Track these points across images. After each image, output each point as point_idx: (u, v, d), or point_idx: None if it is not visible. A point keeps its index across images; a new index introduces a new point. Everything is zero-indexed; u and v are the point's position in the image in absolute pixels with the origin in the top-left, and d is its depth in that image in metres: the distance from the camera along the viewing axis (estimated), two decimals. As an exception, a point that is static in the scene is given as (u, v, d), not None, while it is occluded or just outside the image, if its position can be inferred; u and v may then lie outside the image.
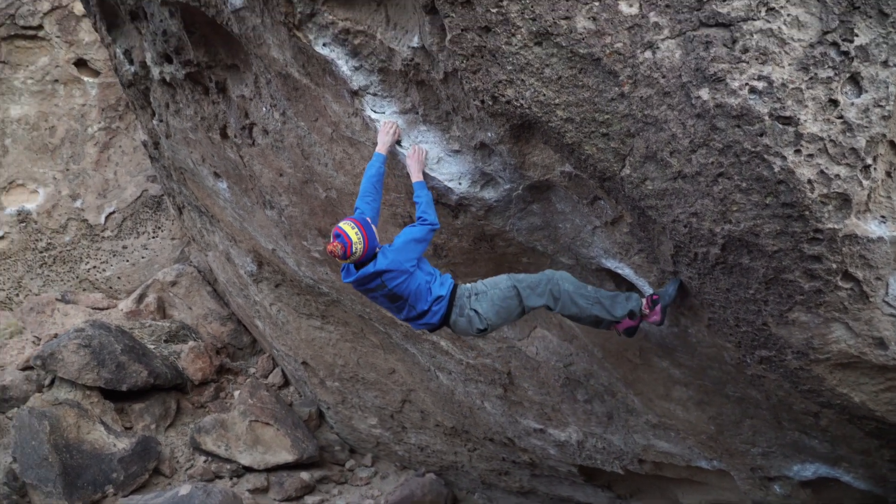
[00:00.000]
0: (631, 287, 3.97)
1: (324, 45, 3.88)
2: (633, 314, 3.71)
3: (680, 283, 3.56)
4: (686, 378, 4.42)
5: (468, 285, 3.83)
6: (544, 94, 3.14)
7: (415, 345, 6.36)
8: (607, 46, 2.96)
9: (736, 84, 2.78)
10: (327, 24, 3.78)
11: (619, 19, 2.93)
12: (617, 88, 3.01)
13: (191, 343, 9.53)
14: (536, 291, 3.72)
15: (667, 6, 2.86)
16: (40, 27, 11.01)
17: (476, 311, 3.72)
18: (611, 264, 3.90)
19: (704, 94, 2.84)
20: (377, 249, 3.68)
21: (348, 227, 3.56)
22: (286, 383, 9.55)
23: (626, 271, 3.85)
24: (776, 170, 2.80)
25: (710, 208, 3.01)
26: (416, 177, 3.87)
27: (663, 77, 2.92)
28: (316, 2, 3.71)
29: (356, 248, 3.55)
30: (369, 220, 3.69)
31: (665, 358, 4.34)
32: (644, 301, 3.70)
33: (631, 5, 2.92)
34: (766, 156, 2.80)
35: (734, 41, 2.78)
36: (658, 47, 2.90)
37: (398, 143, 3.97)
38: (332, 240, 3.56)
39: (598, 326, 3.84)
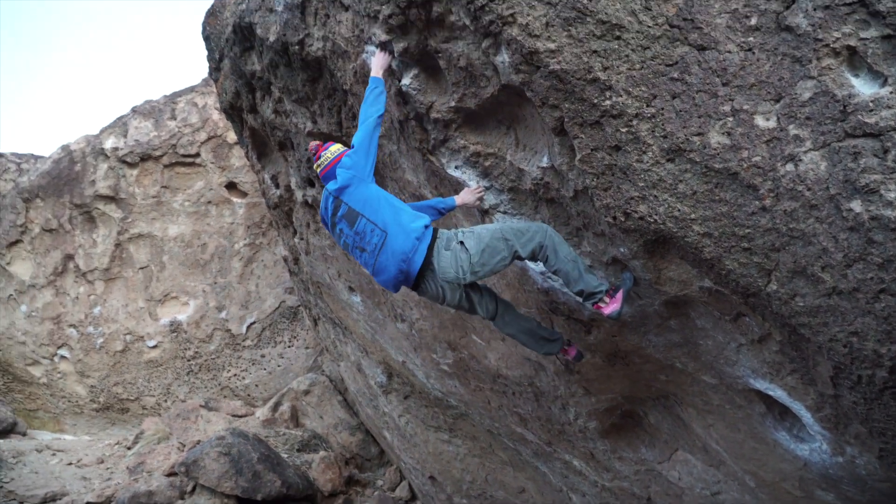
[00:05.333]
0: (784, 410, 3.67)
1: (456, 167, 4.03)
2: (600, 297, 3.54)
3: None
4: (854, 512, 3.95)
5: (448, 230, 3.74)
6: (679, 210, 3.07)
7: (546, 463, 6.12)
8: (745, 161, 2.89)
9: (892, 195, 2.61)
10: (459, 149, 3.94)
11: (756, 133, 2.86)
12: (757, 202, 2.90)
13: (322, 453, 9.67)
14: (524, 238, 3.58)
15: (807, 118, 2.77)
16: (197, 154, 12.19)
17: (462, 244, 3.58)
18: (760, 385, 3.64)
19: (856, 206, 2.68)
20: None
21: (336, 146, 4.02)
22: (413, 497, 9.41)
23: (778, 393, 3.56)
24: (947, 285, 2.55)
25: (872, 327, 2.77)
26: (374, 72, 3.91)
27: (808, 190, 2.79)
28: (449, 128, 3.89)
29: (325, 155, 3.99)
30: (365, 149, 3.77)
31: (830, 490, 3.91)
32: (607, 288, 3.58)
33: (768, 119, 2.85)
34: (934, 270, 2.57)
35: (885, 151, 2.63)
36: (800, 160, 2.79)
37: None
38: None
39: (567, 281, 3.64)
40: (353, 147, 3.82)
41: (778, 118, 2.83)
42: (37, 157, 13.55)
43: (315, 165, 4.07)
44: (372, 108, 3.78)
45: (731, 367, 3.73)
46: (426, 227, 3.65)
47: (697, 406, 4.25)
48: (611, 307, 3.53)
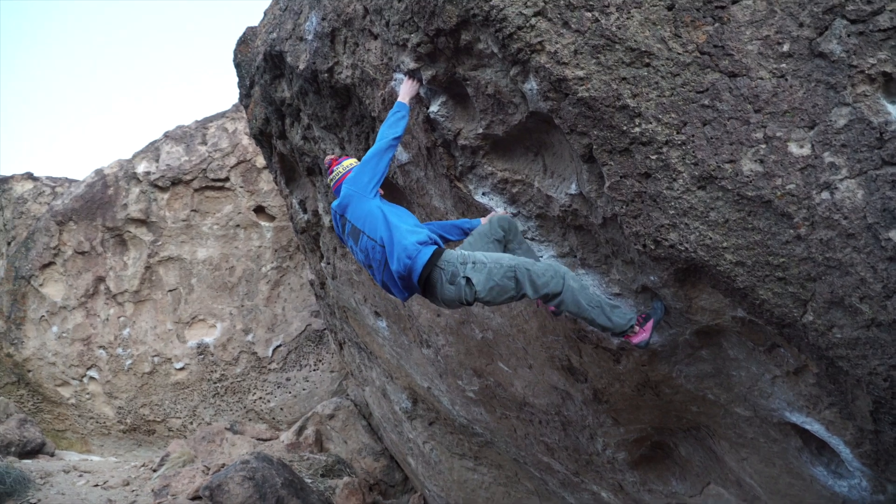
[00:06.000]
0: (822, 445, 3.56)
1: (483, 194, 4.02)
2: (631, 328, 3.49)
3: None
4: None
5: (458, 251, 3.56)
6: (710, 238, 3.02)
7: (573, 493, 6.01)
8: (778, 188, 2.83)
9: (933, 225, 2.54)
10: (487, 175, 3.93)
11: (790, 161, 2.81)
12: (792, 231, 2.84)
13: (345, 479, 9.61)
14: (537, 283, 3.44)
15: (843, 146, 2.72)
16: (227, 179, 12.34)
17: (468, 280, 3.43)
18: (796, 419, 3.53)
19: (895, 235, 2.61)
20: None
21: (349, 161, 4.07)
22: (437, 525, 9.29)
23: (815, 427, 3.46)
24: None
25: (913, 360, 2.68)
26: (401, 98, 3.90)
27: (845, 218, 2.72)
28: (476, 155, 3.89)
29: (336, 170, 4.05)
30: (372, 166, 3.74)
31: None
32: (636, 318, 3.52)
33: (802, 146, 2.80)
34: (978, 302, 2.48)
35: (926, 179, 2.56)
36: (836, 188, 2.73)
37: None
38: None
39: (595, 326, 3.57)
40: (362, 162, 3.83)
41: (812, 145, 2.78)
42: (71, 181, 13.83)
43: (328, 179, 4.12)
44: (390, 129, 3.78)
45: (765, 399, 3.63)
46: (420, 243, 3.53)
47: (730, 438, 4.15)
48: (639, 336, 3.48)
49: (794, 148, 2.81)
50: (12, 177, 13.74)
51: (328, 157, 4.22)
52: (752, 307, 3.11)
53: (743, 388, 3.69)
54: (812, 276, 2.86)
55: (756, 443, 4.00)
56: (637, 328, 3.51)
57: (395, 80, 4.19)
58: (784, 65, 2.83)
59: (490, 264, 3.45)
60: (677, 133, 2.99)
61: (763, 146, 2.85)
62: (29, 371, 12.50)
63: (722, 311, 3.34)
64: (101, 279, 12.41)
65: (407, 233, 3.55)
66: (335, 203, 3.88)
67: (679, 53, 2.97)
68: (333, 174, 4.06)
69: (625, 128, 3.07)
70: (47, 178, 13.92)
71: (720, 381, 3.80)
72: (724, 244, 3.00)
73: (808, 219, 2.80)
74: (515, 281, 3.45)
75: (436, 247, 3.57)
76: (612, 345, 3.95)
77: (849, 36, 2.71)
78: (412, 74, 3.94)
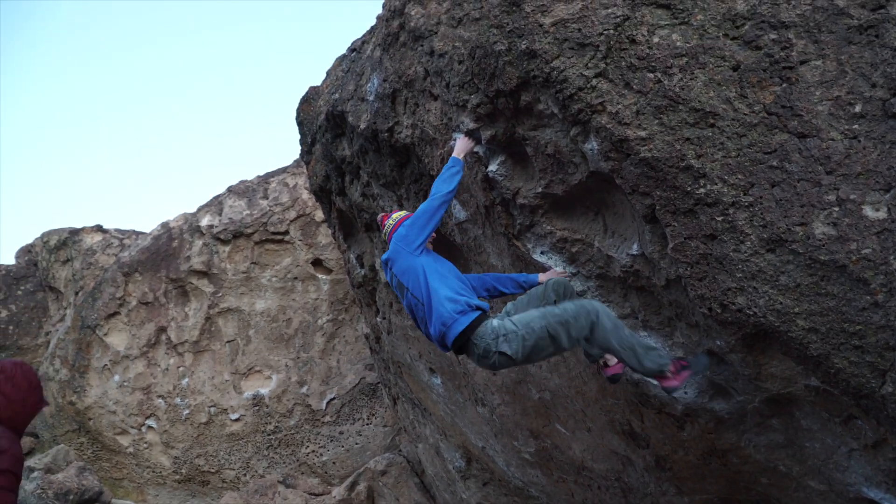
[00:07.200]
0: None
1: (541, 253, 3.98)
2: (662, 372, 3.35)
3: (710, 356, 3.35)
4: None
5: (496, 322, 3.45)
6: (781, 303, 2.90)
7: (633, 564, 5.74)
8: (853, 253, 2.72)
9: None
10: (545, 234, 3.90)
11: (865, 224, 2.71)
12: (869, 297, 2.72)
13: (397, 537, 9.42)
14: (572, 332, 3.33)
15: (923, 209, 2.60)
16: (286, 232, 12.59)
17: (503, 354, 3.35)
18: (874, 494, 3.32)
19: (984, 304, 2.46)
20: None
21: (399, 213, 4.16)
22: (490, 590, 8.99)
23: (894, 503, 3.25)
24: None
25: None
26: (456, 153, 3.95)
27: (927, 285, 2.59)
28: (535, 214, 3.87)
29: (388, 223, 4.10)
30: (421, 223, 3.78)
31: None
32: (671, 363, 3.35)
33: (877, 210, 2.70)
34: None
35: None
36: (917, 253, 2.61)
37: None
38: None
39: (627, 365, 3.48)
40: (411, 218, 3.87)
41: (888, 208, 2.67)
42: (138, 233, 14.35)
43: (383, 234, 4.20)
44: (444, 185, 3.81)
45: (841, 472, 3.43)
46: (459, 312, 3.48)
47: (803, 513, 3.91)
48: (671, 382, 3.34)
49: (869, 211, 2.71)
50: (83, 229, 14.33)
51: (380, 215, 4.30)
52: (826, 376, 2.96)
53: (817, 460, 3.49)
54: (891, 346, 2.72)
55: (832, 519, 3.76)
56: (670, 374, 3.36)
57: (454, 139, 4.24)
58: (856, 126, 2.75)
59: (521, 331, 3.38)
60: (744, 194, 2.92)
61: (836, 209, 2.75)
62: (90, 419, 12.77)
63: (794, 378, 3.19)
64: (162, 329, 12.71)
65: (445, 300, 3.53)
66: (385, 255, 3.92)
67: (745, 114, 2.92)
68: (385, 227, 4.15)
69: (689, 188, 3.01)
70: (115, 230, 14.47)
71: (792, 453, 3.61)
72: (796, 309, 2.88)
73: (885, 285, 2.68)
74: (551, 339, 3.38)
75: (475, 314, 3.50)
76: (677, 410, 3.80)
77: (925, 96, 2.63)
78: (471, 134, 3.98)
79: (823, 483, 3.59)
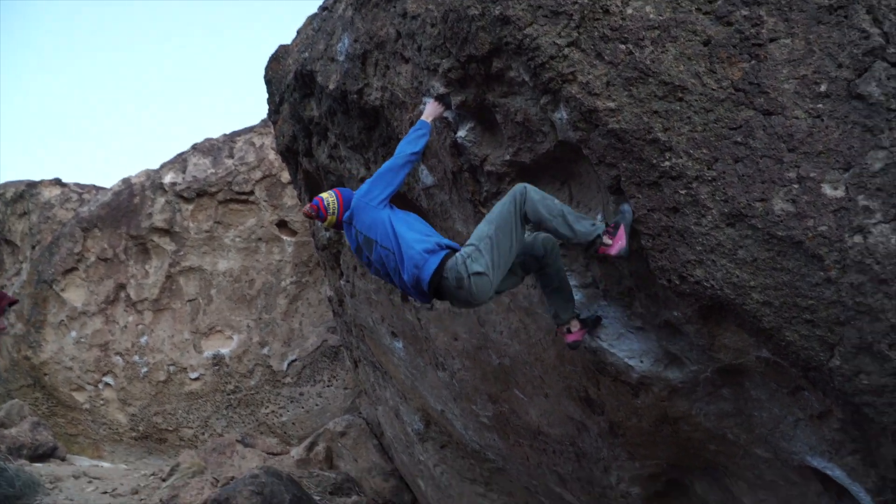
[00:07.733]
0: (842, 491, 3.47)
1: (507, 220, 3.99)
2: (598, 239, 3.28)
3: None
4: None
5: (459, 253, 3.48)
6: (738, 276, 2.98)
7: (584, 526, 5.91)
8: (810, 230, 2.79)
9: (969, 274, 2.49)
10: (512, 202, 3.91)
11: (823, 202, 2.77)
12: (822, 273, 2.80)
13: (354, 497, 9.54)
14: (516, 216, 3.37)
15: (878, 189, 2.68)
16: (251, 192, 12.42)
17: (476, 273, 3.35)
18: (818, 463, 3.45)
19: (930, 283, 2.56)
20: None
21: (326, 194, 3.92)
22: (444, 550, 9.18)
23: (836, 473, 3.38)
24: None
25: (944, 412, 2.62)
26: (424, 117, 3.91)
27: (878, 263, 2.68)
28: (502, 181, 3.88)
29: (328, 202, 3.87)
30: (351, 190, 3.85)
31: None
32: (605, 228, 3.29)
33: (836, 188, 2.76)
34: None
35: (963, 227, 2.51)
36: (870, 232, 2.69)
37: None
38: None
39: (559, 238, 3.47)
40: (375, 173, 3.83)
41: (846, 188, 2.74)
42: (98, 189, 14.01)
43: (325, 223, 3.97)
44: (409, 146, 3.80)
45: (787, 441, 3.56)
46: (428, 252, 3.51)
47: (748, 479, 4.06)
48: (616, 246, 3.25)
49: (827, 189, 2.77)
50: (41, 182, 13.94)
51: (306, 208, 3.99)
52: (777, 348, 3.05)
53: (764, 429, 3.62)
54: (841, 321, 2.81)
55: (775, 485, 3.91)
56: (608, 239, 3.27)
57: (424, 103, 4.21)
58: (820, 105, 2.80)
59: (479, 244, 3.40)
60: (708, 169, 2.96)
61: (796, 186, 2.82)
62: (45, 374, 12.59)
63: (746, 350, 3.29)
64: (121, 286, 12.52)
65: (414, 243, 3.56)
66: (345, 216, 3.87)
67: (713, 89, 2.95)
68: (328, 207, 3.91)
69: (654, 161, 3.05)
70: (75, 184, 14.11)
71: (741, 422, 3.73)
72: (752, 283, 2.96)
73: (839, 262, 2.76)
74: (505, 234, 3.39)
75: (444, 252, 3.53)
76: (632, 378, 3.89)
77: (888, 79, 2.69)
78: (441, 99, 3.95)
79: (769, 451, 3.72)
